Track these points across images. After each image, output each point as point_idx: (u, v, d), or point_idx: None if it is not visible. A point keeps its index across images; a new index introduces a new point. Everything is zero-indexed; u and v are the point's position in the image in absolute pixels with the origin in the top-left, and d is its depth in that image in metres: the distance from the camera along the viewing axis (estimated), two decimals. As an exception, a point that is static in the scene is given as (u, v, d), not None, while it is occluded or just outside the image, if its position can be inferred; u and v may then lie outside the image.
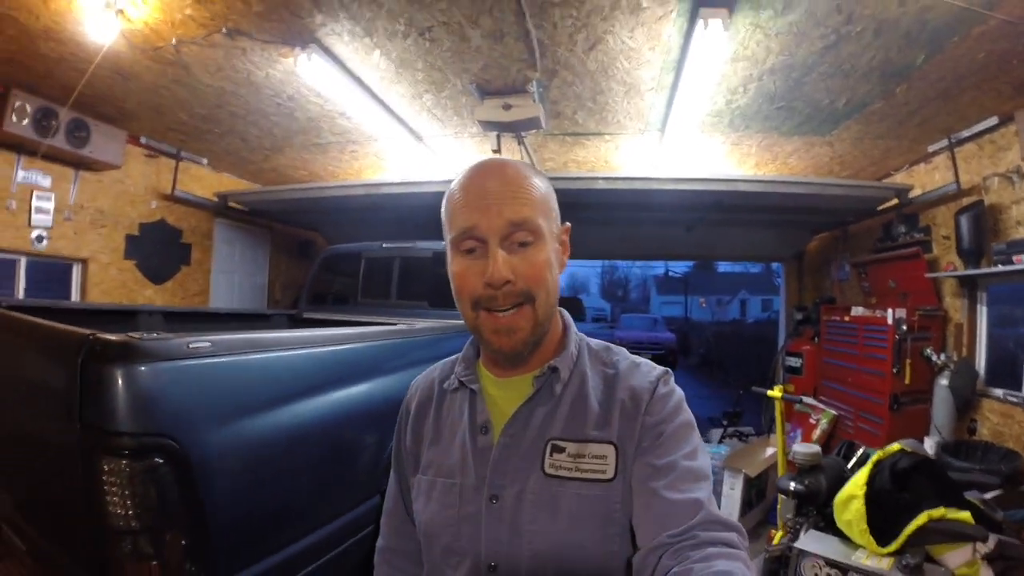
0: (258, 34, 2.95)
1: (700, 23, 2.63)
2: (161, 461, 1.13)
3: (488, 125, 3.83)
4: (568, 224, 0.94)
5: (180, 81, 3.54)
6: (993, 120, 3.90)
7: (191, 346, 1.24)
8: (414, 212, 6.17)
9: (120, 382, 1.09)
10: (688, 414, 0.84)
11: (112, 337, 1.13)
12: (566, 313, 0.96)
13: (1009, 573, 2.17)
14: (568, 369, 0.88)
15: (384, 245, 4.38)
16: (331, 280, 4.59)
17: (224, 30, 2.89)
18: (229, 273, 6.24)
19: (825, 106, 3.81)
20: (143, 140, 4.73)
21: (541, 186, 0.86)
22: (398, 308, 4.14)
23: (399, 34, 2.99)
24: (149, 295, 5.05)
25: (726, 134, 4.46)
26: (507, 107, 3.64)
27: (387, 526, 1.04)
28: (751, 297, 33.12)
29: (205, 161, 5.38)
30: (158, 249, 5.12)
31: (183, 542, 1.15)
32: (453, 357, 1.00)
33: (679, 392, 0.87)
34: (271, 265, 7.05)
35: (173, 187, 5.09)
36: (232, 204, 5.75)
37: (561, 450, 0.83)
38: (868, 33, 2.83)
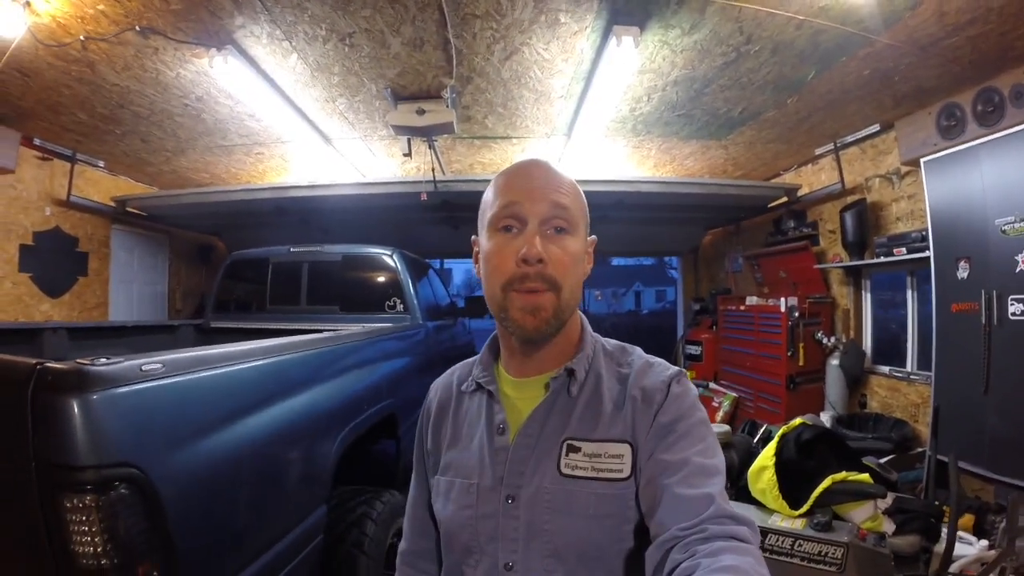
0: (173, 33, 2.84)
1: (613, 39, 2.81)
2: (126, 491, 1.09)
3: (401, 129, 3.86)
4: (595, 237, 0.95)
5: (83, 79, 3.32)
6: (875, 127, 4.32)
7: (143, 368, 1.20)
8: (320, 215, 6.09)
9: (76, 413, 1.03)
10: (702, 412, 0.84)
11: (62, 365, 1.07)
12: (583, 316, 0.97)
13: (907, 523, 2.47)
14: (584, 370, 0.89)
15: (292, 249, 4.24)
16: (237, 287, 4.39)
17: (137, 28, 2.76)
18: (128, 283, 5.88)
19: (722, 114, 4.11)
20: (37, 141, 4.37)
21: (579, 192, 0.90)
22: (309, 314, 4.03)
23: (319, 39, 2.97)
24: (46, 310, 4.67)
25: (628, 138, 4.69)
26: (421, 112, 3.69)
27: (409, 528, 1.05)
28: (645, 289, 34.01)
29: (102, 164, 5.03)
30: (54, 260, 4.74)
31: (155, 575, 1.12)
32: (471, 359, 1.01)
33: (693, 391, 0.87)
34: (171, 273, 6.70)
35: (69, 192, 4.72)
36: (131, 209, 5.41)
37: (577, 450, 0.83)
38: (765, 52, 3.10)
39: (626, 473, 0.80)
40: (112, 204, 5.24)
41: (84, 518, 1.04)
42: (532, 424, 0.87)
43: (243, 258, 4.41)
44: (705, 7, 2.66)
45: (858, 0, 2.56)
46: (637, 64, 3.24)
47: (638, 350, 0.95)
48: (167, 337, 3.80)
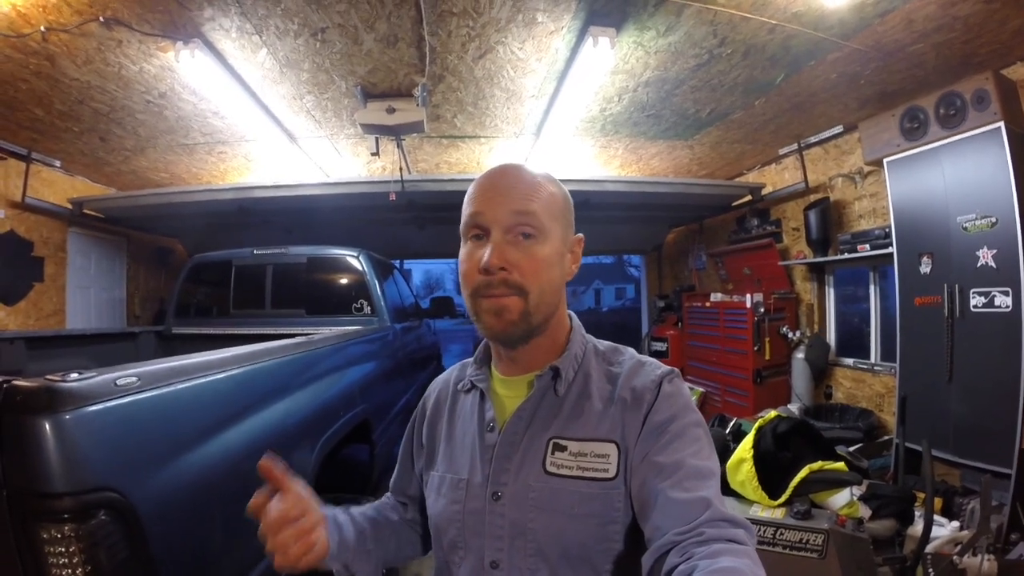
0: (138, 24, 2.72)
1: (589, 40, 2.81)
2: (107, 518, 1.00)
3: (370, 128, 3.79)
4: (581, 235, 0.94)
5: (42, 73, 3.16)
6: (839, 128, 4.45)
7: (118, 383, 1.12)
8: (284, 216, 5.93)
9: (50, 435, 0.94)
10: (696, 413, 0.84)
11: (31, 383, 0.97)
12: (574, 316, 0.97)
13: (882, 508, 2.55)
14: (572, 369, 0.89)
15: (255, 252, 4.10)
16: (199, 291, 4.23)
17: (101, 18, 2.63)
18: (85, 288, 5.61)
19: (691, 115, 4.16)
20: (-9, 140, 4.14)
21: (554, 191, 0.89)
22: (274, 318, 3.92)
23: (291, 33, 2.90)
24: (0, 318, 4.44)
25: (596, 138, 4.71)
26: (391, 110, 3.63)
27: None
28: (605, 286, 34.40)
29: (59, 163, 4.80)
30: (8, 265, 4.50)
31: (139, 607, 1.03)
32: (469, 359, 1.02)
33: (686, 390, 0.87)
34: (129, 277, 6.42)
35: (24, 193, 4.48)
36: (88, 211, 5.16)
37: (563, 448, 0.83)
38: (737, 55, 3.15)
39: (611, 473, 0.80)
40: (69, 206, 5.01)
41: (63, 550, 0.95)
42: (517, 422, 0.87)
43: (205, 261, 4.24)
44: (682, 10, 2.68)
45: (830, 6, 2.61)
46: (611, 65, 3.25)
47: (631, 350, 0.95)
48: (128, 345, 3.65)
